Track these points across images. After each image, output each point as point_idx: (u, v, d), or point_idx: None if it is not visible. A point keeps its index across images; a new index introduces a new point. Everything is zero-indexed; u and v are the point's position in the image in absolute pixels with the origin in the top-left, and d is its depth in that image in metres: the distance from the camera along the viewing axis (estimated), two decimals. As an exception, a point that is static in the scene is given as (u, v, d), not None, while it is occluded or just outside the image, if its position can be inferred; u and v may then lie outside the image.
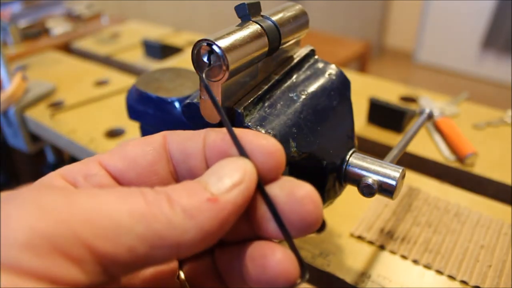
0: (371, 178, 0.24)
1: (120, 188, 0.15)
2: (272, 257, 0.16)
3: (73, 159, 0.38)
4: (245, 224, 0.18)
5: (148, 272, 0.19)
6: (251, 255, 0.16)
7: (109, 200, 0.14)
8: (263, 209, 0.17)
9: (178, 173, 0.19)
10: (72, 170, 0.18)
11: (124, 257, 0.14)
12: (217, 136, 0.18)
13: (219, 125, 0.25)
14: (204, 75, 0.21)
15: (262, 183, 0.17)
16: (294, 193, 0.16)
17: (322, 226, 0.34)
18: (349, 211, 0.35)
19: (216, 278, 0.20)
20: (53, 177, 0.17)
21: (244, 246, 0.17)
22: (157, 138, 0.19)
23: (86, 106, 0.53)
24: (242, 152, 0.17)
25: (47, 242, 0.13)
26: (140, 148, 0.18)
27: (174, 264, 0.20)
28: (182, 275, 0.20)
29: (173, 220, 0.14)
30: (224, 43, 0.21)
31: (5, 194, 0.15)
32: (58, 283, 0.13)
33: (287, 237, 0.16)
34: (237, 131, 0.17)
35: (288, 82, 0.26)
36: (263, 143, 0.17)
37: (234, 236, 0.19)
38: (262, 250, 0.16)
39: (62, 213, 0.13)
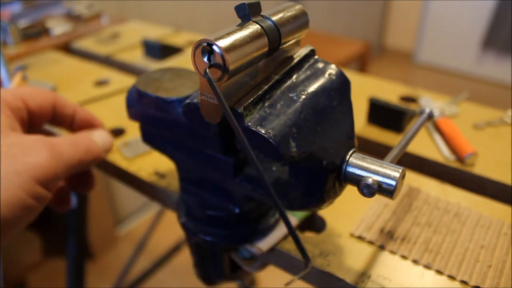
0: (371, 178, 0.24)
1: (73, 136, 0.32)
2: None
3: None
4: None
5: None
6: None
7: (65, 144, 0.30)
8: None
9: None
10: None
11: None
12: (84, 112, 0.36)
13: (220, 124, 0.25)
14: (207, 71, 0.21)
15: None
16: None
17: (322, 226, 0.34)
18: (349, 211, 0.35)
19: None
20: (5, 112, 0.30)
21: None
22: (50, 94, 0.34)
23: (86, 106, 0.53)
24: (245, 144, 0.17)
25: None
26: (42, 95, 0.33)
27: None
28: None
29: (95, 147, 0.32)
30: (224, 43, 0.21)
31: None
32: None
33: (291, 231, 0.16)
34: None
35: (288, 82, 0.26)
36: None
37: None
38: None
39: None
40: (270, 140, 0.22)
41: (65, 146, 0.29)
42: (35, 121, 0.32)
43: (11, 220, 0.24)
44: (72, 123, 0.35)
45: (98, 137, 0.33)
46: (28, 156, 0.25)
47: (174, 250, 1.20)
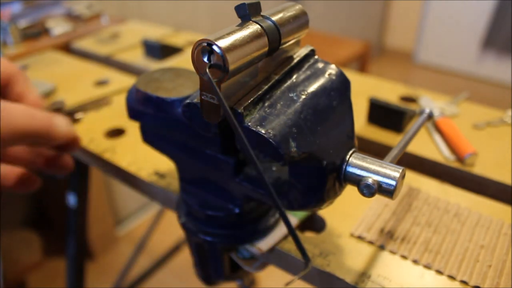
0: (371, 178, 0.24)
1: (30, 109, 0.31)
2: None
3: (72, 158, 0.39)
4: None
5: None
6: None
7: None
8: None
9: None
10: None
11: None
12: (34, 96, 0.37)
13: (220, 124, 0.25)
14: (207, 71, 0.21)
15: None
16: None
17: (322, 226, 0.34)
18: (349, 211, 0.35)
19: None
20: None
21: None
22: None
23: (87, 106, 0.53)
24: (246, 144, 0.17)
25: None
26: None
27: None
28: None
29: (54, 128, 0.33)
30: (224, 43, 0.21)
31: None
32: None
33: (291, 231, 0.16)
34: None
35: (288, 82, 0.26)
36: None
37: None
38: None
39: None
40: (270, 140, 0.22)
41: (19, 113, 0.29)
42: None
43: None
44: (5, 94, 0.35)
45: (58, 119, 0.34)
46: None
47: (174, 250, 1.20)
